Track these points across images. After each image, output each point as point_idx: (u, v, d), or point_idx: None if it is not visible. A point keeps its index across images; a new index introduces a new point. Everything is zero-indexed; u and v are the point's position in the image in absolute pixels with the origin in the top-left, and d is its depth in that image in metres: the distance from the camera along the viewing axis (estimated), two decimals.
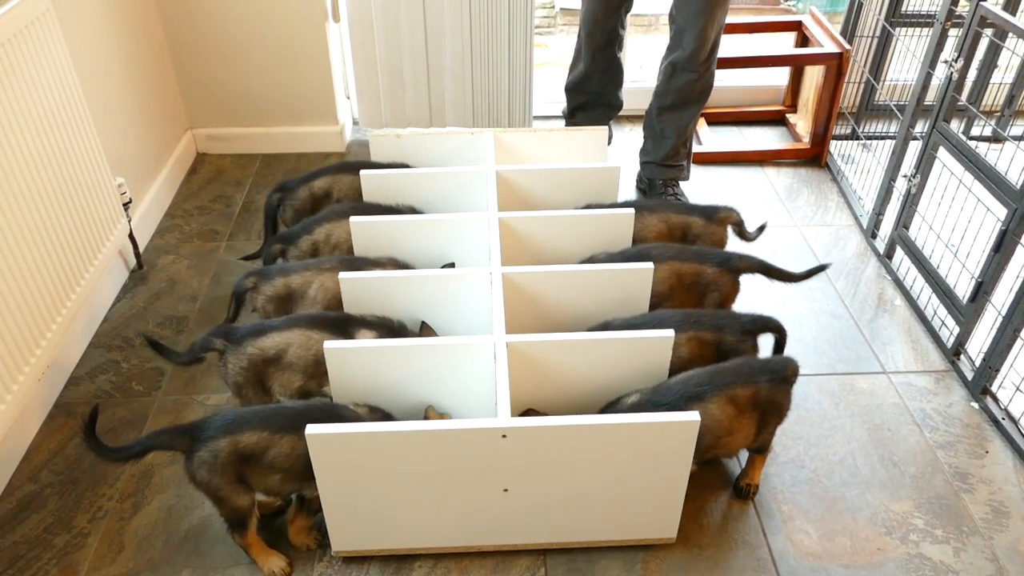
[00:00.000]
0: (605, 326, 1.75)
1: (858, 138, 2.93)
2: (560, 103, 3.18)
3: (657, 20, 4.27)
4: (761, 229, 2.13)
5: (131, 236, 2.33)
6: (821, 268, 2.01)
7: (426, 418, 1.62)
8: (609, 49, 2.66)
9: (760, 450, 1.72)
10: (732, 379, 1.59)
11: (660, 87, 2.55)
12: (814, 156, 2.94)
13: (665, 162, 2.61)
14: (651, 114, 2.62)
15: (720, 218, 2.10)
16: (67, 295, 1.93)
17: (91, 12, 2.25)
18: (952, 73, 2.08)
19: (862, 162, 2.83)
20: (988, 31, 2.19)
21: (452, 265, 1.96)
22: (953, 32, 2.14)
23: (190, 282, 2.35)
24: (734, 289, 1.94)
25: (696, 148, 2.98)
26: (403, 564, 1.60)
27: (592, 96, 2.77)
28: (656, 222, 2.09)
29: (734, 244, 2.13)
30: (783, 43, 3.28)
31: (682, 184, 2.71)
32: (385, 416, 1.53)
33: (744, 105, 3.24)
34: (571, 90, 2.82)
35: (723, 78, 3.19)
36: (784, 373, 1.64)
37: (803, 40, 3.04)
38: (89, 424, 1.50)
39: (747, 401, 1.59)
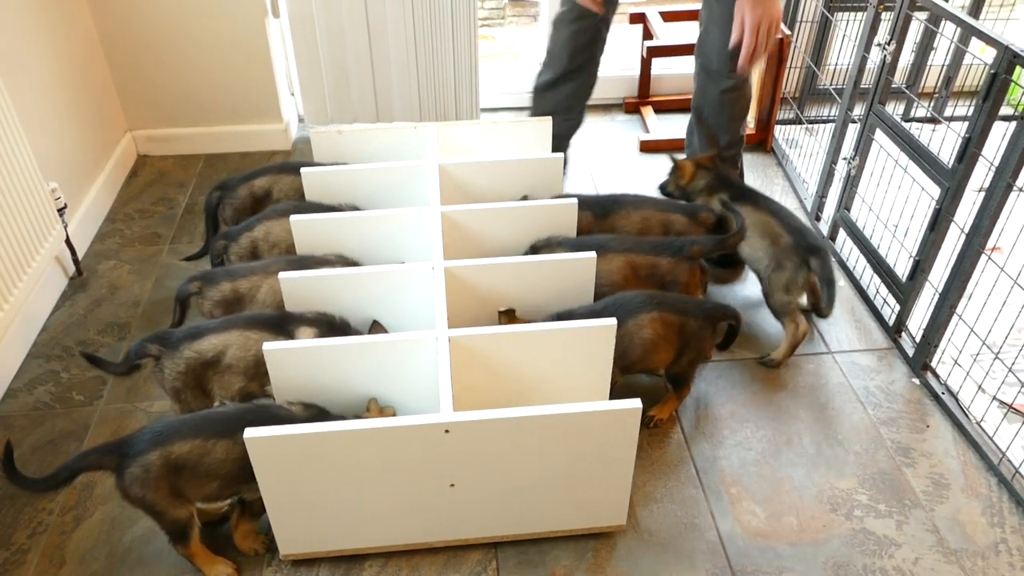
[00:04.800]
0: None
1: (801, 122, 2.97)
2: (510, 95, 3.17)
3: None
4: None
5: (68, 242, 2.27)
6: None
7: (368, 411, 1.60)
8: (591, 50, 2.42)
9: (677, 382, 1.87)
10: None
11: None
12: (759, 141, 2.97)
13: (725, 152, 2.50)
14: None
15: (702, 218, 2.13)
16: None
17: (17, 12, 2.18)
18: (886, 56, 2.11)
19: (806, 146, 2.87)
20: (921, 15, 2.23)
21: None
22: (886, 16, 2.17)
23: (132, 287, 2.30)
24: (693, 276, 1.95)
25: (643, 136, 3.00)
26: (353, 564, 1.59)
27: (559, 107, 2.51)
28: (638, 219, 2.10)
29: None
30: None
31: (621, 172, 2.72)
32: (320, 412, 1.51)
33: (688, 92, 3.24)
34: (541, 91, 2.53)
35: (665, 66, 3.22)
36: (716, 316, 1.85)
37: None
38: (6, 459, 1.44)
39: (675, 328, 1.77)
